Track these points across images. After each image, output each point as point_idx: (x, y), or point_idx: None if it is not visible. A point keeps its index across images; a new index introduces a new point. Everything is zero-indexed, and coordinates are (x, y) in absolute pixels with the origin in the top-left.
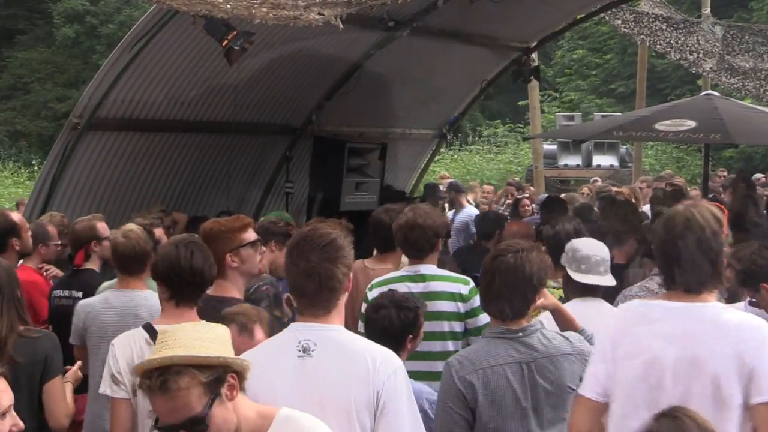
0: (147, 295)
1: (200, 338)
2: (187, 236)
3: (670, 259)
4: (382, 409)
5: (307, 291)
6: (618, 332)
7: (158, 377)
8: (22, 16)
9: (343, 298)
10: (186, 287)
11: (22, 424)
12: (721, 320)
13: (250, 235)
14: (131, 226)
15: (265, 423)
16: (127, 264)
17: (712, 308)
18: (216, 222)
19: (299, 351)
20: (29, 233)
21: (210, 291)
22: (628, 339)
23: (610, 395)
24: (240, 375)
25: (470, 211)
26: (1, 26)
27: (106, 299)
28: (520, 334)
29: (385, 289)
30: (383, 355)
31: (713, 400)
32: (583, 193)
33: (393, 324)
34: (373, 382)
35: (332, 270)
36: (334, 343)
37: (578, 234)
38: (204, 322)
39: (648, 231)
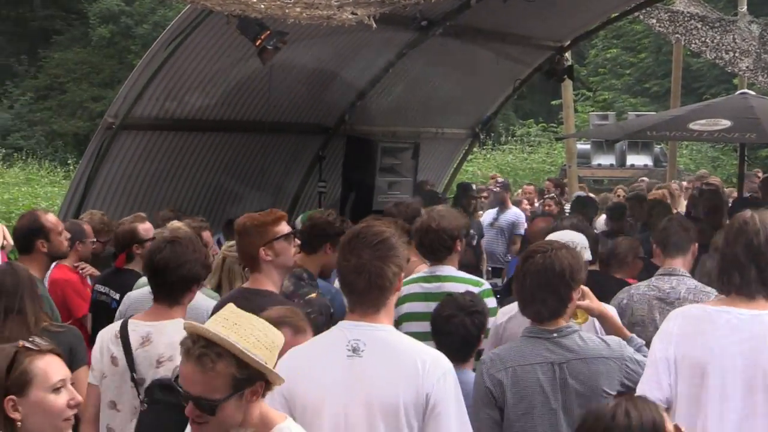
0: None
1: (258, 337)
2: (170, 234)
3: (724, 262)
4: (431, 411)
5: (357, 288)
6: (683, 336)
7: (200, 347)
8: (59, 16)
9: (393, 298)
10: (160, 286)
11: (80, 398)
12: None
13: (283, 228)
14: (177, 224)
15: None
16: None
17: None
18: (249, 216)
19: (348, 350)
20: (62, 236)
21: (246, 284)
22: (697, 344)
23: (672, 401)
24: (269, 386)
25: (516, 212)
26: (39, 27)
27: (149, 293)
28: (555, 334)
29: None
30: (433, 356)
31: None
32: (618, 195)
33: (470, 331)
34: (423, 383)
35: (383, 268)
36: (384, 344)
37: (576, 230)
38: (269, 324)
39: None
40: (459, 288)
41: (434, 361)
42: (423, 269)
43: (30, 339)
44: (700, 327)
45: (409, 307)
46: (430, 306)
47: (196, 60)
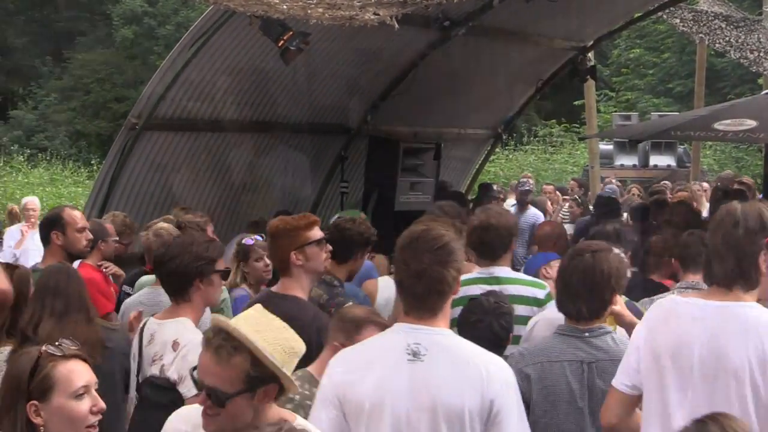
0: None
1: (278, 340)
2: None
3: (707, 254)
4: (494, 418)
5: (415, 292)
6: (651, 326)
7: (220, 339)
8: (83, 18)
9: (450, 300)
10: (162, 282)
11: (103, 405)
12: (746, 318)
13: (316, 233)
14: (162, 224)
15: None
16: (149, 259)
17: (740, 307)
18: (282, 219)
19: (409, 354)
20: (82, 234)
21: (275, 288)
22: (660, 334)
23: (642, 388)
24: (282, 392)
25: (535, 212)
26: (63, 28)
27: (139, 296)
28: (587, 334)
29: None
30: (496, 363)
31: (737, 397)
32: (633, 194)
33: (498, 334)
34: (487, 390)
35: (443, 273)
36: (445, 349)
37: (618, 235)
38: (293, 332)
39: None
40: (521, 291)
41: (497, 367)
42: (474, 270)
43: (57, 343)
44: (665, 317)
45: None
46: None
47: (219, 61)
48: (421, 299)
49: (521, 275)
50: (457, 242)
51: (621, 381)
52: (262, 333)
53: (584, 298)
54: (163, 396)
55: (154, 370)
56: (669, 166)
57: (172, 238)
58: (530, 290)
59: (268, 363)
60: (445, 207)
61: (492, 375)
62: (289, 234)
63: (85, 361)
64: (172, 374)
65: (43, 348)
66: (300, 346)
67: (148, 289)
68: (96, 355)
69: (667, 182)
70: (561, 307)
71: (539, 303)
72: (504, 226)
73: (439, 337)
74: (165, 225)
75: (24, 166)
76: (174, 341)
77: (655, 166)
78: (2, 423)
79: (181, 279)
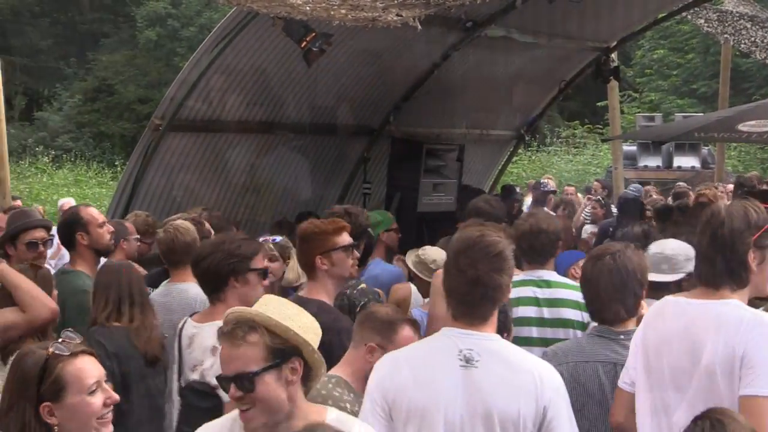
0: (184, 287)
1: (288, 314)
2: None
3: (696, 255)
4: (548, 424)
5: (470, 299)
6: (645, 325)
7: (231, 325)
8: (107, 19)
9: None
10: (200, 283)
11: (116, 396)
12: (722, 315)
13: (344, 239)
14: (178, 222)
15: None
16: (166, 257)
17: (720, 305)
18: (311, 223)
19: (461, 360)
20: (103, 228)
21: (302, 292)
22: (650, 332)
23: (636, 384)
24: (308, 366)
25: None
26: (87, 30)
27: (156, 292)
28: (622, 336)
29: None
30: (547, 369)
31: (710, 393)
32: (651, 196)
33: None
34: (541, 396)
35: (500, 282)
36: (499, 355)
37: (647, 236)
38: (304, 311)
39: None
40: (572, 295)
41: (549, 373)
42: (517, 273)
43: (60, 340)
44: (655, 316)
45: (522, 312)
46: (542, 311)
47: (242, 62)
48: (475, 306)
49: (567, 280)
50: (510, 249)
51: (623, 380)
52: (272, 310)
53: (619, 299)
54: (206, 401)
55: (195, 376)
56: (693, 167)
57: (189, 233)
58: (578, 294)
59: (283, 330)
60: (492, 201)
61: (545, 382)
62: (316, 238)
63: (91, 354)
64: (212, 380)
65: (51, 349)
66: (314, 324)
67: (162, 287)
68: (158, 351)
69: (681, 183)
70: (595, 315)
71: (586, 308)
72: (553, 231)
73: (491, 343)
74: (179, 222)
75: (49, 168)
76: (213, 346)
77: (679, 167)
78: (8, 424)
79: (215, 278)
